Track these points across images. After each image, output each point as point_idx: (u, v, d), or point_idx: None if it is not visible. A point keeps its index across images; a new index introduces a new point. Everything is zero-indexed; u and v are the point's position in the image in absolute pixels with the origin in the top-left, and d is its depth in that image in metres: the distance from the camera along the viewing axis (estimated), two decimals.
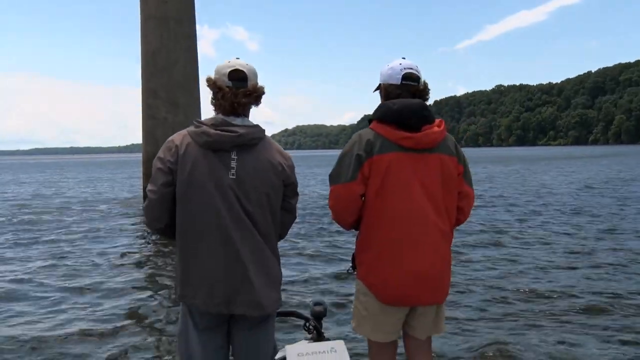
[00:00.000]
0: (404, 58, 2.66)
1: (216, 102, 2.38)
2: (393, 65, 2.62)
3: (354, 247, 2.71)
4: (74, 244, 9.80)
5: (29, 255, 8.77)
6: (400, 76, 2.59)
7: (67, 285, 6.70)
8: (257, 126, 2.40)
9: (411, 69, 2.61)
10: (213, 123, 2.32)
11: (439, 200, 2.52)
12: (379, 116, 2.55)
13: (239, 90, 2.33)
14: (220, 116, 2.36)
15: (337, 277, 6.51)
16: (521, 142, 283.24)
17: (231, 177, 2.30)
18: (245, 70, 2.37)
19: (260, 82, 2.43)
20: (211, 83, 2.39)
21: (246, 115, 2.41)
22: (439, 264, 2.54)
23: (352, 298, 2.73)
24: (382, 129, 2.51)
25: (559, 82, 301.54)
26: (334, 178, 2.59)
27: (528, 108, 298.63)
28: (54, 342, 4.61)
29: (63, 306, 5.72)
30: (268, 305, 2.38)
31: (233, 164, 2.30)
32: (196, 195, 2.28)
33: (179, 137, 2.35)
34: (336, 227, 2.52)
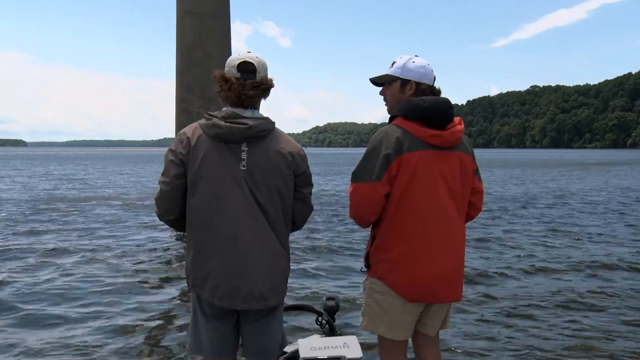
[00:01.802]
0: (416, 56, 2.65)
1: (223, 93, 2.40)
2: (422, 63, 2.61)
3: (366, 245, 2.71)
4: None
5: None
6: (433, 77, 2.63)
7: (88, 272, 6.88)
8: (266, 118, 2.42)
9: (433, 70, 2.65)
10: (223, 116, 2.34)
11: (459, 198, 2.55)
12: (406, 113, 2.52)
13: (246, 82, 2.35)
14: (230, 108, 2.38)
15: (351, 272, 6.45)
16: (555, 144, 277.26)
17: (242, 168, 2.32)
18: (254, 62, 2.38)
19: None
20: (218, 77, 2.41)
21: (256, 107, 2.44)
22: (459, 262, 2.60)
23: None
24: (409, 126, 2.49)
25: (596, 83, 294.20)
26: (358, 176, 2.54)
27: (564, 109, 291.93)
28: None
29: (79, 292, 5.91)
30: (271, 298, 2.41)
31: (243, 155, 2.33)
32: (207, 187, 2.30)
33: (190, 130, 2.37)
34: (351, 220, 2.51)
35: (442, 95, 2.65)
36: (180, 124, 15.71)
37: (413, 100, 2.53)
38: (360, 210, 2.58)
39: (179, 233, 9.46)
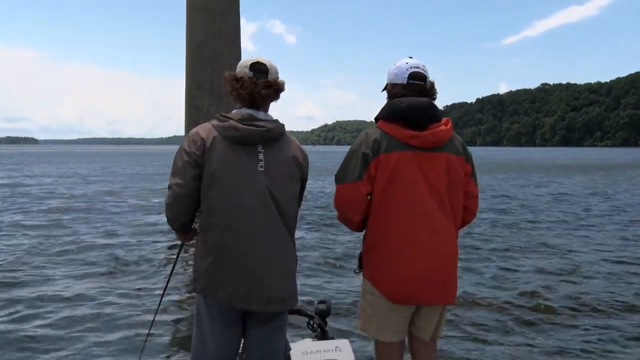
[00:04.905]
0: (411, 57, 2.64)
1: (235, 92, 2.38)
2: (399, 64, 2.60)
3: (361, 246, 2.69)
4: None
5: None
6: (407, 75, 2.57)
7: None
8: (277, 121, 2.43)
9: (418, 68, 2.58)
10: (240, 118, 2.32)
11: (445, 199, 2.50)
12: (385, 115, 2.54)
13: (259, 80, 2.34)
14: (246, 110, 2.36)
15: (343, 275, 6.43)
16: (566, 142, 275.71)
17: (260, 169, 2.31)
18: (266, 64, 2.39)
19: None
20: (229, 77, 2.40)
21: (266, 110, 2.43)
22: (447, 263, 2.53)
23: (358, 296, 2.70)
24: (388, 127, 2.51)
25: (608, 81, 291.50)
26: (340, 177, 2.57)
27: (574, 107, 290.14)
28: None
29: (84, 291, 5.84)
30: (288, 300, 2.40)
31: (261, 156, 2.32)
32: (225, 188, 2.26)
33: (203, 130, 2.33)
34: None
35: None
36: (190, 121, 15.76)
37: (392, 102, 2.55)
38: (344, 211, 2.60)
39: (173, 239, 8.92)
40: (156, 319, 4.87)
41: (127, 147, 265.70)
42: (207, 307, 2.36)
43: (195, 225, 2.52)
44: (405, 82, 2.57)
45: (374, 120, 2.67)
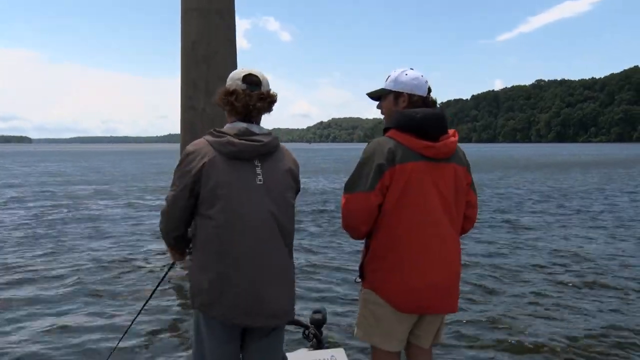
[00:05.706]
0: (412, 69, 2.65)
1: (230, 106, 2.39)
2: (415, 75, 2.61)
3: (360, 256, 2.69)
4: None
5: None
6: (426, 88, 2.61)
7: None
8: (271, 134, 2.45)
9: (427, 81, 2.63)
10: (236, 133, 2.33)
11: (452, 208, 2.54)
12: (400, 124, 2.52)
13: (253, 93, 2.37)
14: (241, 124, 2.38)
15: (338, 283, 6.42)
16: (561, 138, 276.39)
17: (259, 183, 2.32)
18: (259, 75, 2.42)
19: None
20: (221, 92, 2.41)
21: (258, 122, 2.45)
22: (454, 273, 2.57)
23: (353, 305, 2.68)
24: (402, 137, 2.49)
25: (602, 77, 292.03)
26: (350, 186, 2.55)
27: (569, 104, 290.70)
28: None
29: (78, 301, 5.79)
30: (291, 313, 2.42)
31: (258, 170, 2.34)
32: (225, 204, 2.27)
33: (199, 146, 2.35)
34: (341, 230, 2.53)
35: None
36: (185, 120, 15.68)
37: (406, 111, 2.53)
38: (352, 220, 2.56)
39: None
40: (154, 332, 4.85)
41: (123, 146, 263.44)
42: (206, 323, 2.34)
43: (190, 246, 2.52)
44: (425, 94, 2.61)
45: (382, 130, 2.64)
